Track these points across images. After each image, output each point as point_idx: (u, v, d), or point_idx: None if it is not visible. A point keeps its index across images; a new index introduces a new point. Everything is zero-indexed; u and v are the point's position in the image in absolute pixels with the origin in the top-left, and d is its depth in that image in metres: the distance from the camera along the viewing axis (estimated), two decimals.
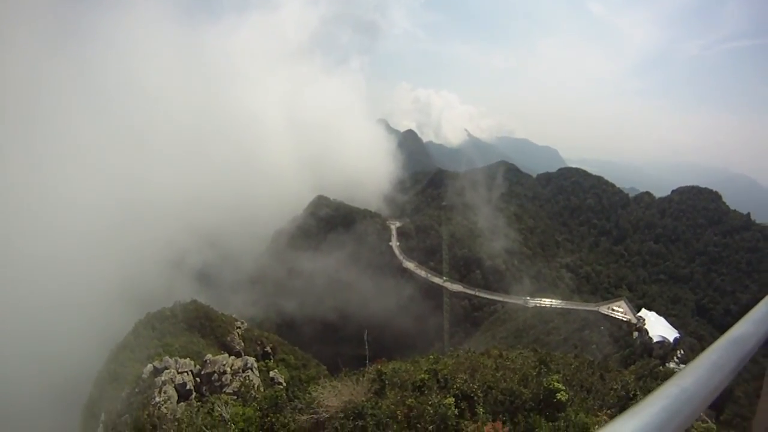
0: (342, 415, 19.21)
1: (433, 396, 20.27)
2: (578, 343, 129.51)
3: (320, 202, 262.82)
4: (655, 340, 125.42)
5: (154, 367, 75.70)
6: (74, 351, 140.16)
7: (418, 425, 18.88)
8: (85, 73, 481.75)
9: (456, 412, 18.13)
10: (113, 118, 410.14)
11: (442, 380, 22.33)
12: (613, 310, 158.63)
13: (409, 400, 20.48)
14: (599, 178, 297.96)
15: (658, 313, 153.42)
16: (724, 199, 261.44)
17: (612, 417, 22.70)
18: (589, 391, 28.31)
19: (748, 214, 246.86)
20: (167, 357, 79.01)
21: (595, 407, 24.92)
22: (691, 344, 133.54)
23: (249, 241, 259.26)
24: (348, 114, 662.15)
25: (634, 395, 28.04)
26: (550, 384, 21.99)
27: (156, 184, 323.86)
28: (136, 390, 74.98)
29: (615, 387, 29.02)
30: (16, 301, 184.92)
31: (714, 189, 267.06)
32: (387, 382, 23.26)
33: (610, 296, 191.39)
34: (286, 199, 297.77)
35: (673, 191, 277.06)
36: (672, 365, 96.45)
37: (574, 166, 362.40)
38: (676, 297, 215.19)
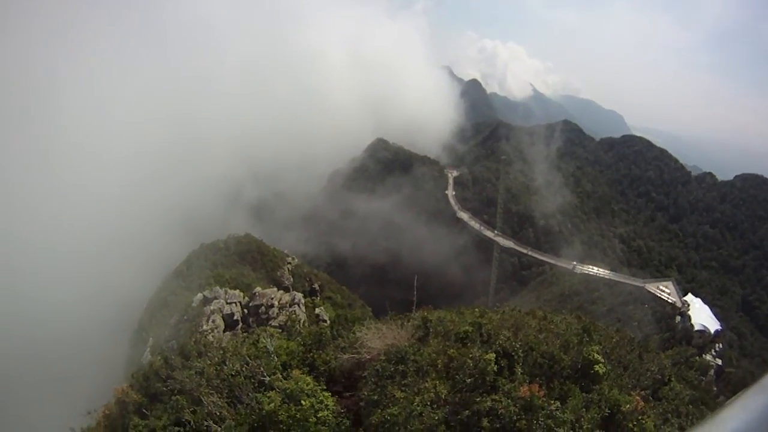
0: (384, 357, 19.04)
1: (475, 350, 19.89)
2: (621, 317, 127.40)
3: (379, 145, 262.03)
4: (696, 328, 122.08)
5: (204, 296, 77.38)
6: (129, 280, 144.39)
7: (457, 376, 18.59)
8: (149, 10, 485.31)
9: (495, 368, 17.76)
10: (175, 55, 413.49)
11: (485, 335, 21.93)
12: (660, 289, 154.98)
13: (451, 350, 20.17)
14: (663, 151, 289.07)
15: (704, 300, 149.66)
16: None
17: (645, 399, 22.18)
18: (626, 368, 27.79)
19: None
20: (217, 287, 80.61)
21: (629, 386, 24.46)
22: (731, 340, 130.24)
23: (305, 179, 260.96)
24: (411, 58, 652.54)
25: (669, 380, 27.38)
26: (590, 354, 21.56)
27: (215, 119, 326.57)
28: (185, 318, 76.82)
29: (652, 369, 28.31)
30: (77, 232, 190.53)
31: None
32: (431, 330, 23.03)
33: (658, 275, 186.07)
34: (345, 140, 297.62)
35: (736, 176, 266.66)
36: (708, 357, 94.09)
37: (638, 134, 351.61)
38: (723, 287, 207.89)
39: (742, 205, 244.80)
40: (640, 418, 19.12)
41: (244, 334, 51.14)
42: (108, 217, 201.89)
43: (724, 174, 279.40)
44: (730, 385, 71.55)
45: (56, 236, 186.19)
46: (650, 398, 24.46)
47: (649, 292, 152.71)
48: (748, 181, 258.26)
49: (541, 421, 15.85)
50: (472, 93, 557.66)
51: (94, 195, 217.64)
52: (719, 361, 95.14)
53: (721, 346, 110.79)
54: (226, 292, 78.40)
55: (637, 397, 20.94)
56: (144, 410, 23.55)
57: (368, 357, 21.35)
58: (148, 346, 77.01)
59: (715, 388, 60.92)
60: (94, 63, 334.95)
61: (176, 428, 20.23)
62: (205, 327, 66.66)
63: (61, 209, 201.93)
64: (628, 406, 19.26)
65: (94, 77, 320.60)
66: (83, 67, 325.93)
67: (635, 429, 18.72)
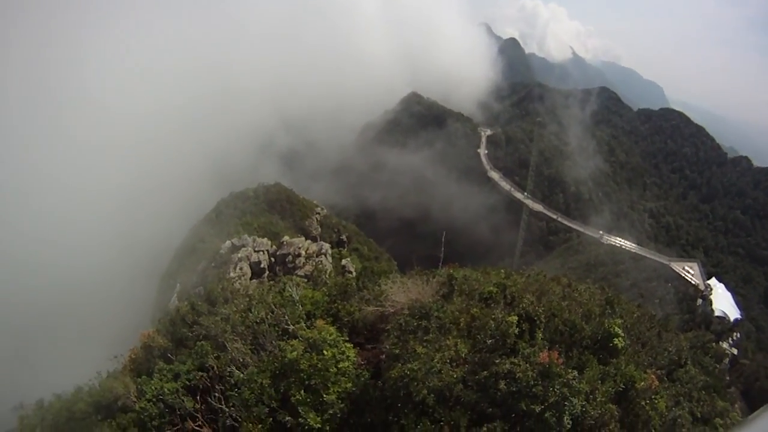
0: (407, 312, 19.05)
1: (498, 311, 19.90)
2: (644, 293, 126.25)
3: (413, 99, 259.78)
4: (716, 314, 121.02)
5: (232, 243, 78.19)
6: (159, 227, 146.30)
7: (478, 336, 18.67)
8: None
9: (516, 331, 17.72)
10: (206, 3, 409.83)
11: (509, 297, 21.88)
12: (684, 269, 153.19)
13: (474, 309, 20.21)
14: (701, 129, 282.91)
15: (727, 287, 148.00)
16: None
17: (660, 379, 22.00)
18: (644, 345, 27.66)
19: None
20: (246, 235, 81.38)
21: (646, 363, 24.31)
22: (749, 331, 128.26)
23: (336, 130, 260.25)
24: (448, 13, 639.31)
25: (685, 363, 27.25)
26: (611, 327, 21.38)
27: (247, 68, 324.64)
28: (212, 264, 77.80)
29: (669, 349, 28.17)
30: (110, 180, 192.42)
31: None
32: (456, 288, 22.98)
33: (684, 254, 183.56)
34: (378, 92, 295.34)
35: None
36: (725, 345, 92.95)
37: (677, 108, 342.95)
38: (748, 276, 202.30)
39: None
40: (653, 397, 19.12)
41: (271, 282, 51.57)
42: (140, 166, 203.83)
43: (761, 160, 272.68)
44: (742, 378, 71.23)
45: (89, 184, 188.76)
46: (665, 378, 24.42)
47: (674, 270, 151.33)
48: None
49: (557, 388, 15.85)
50: (510, 52, 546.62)
51: (126, 144, 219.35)
52: (735, 351, 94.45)
53: (738, 335, 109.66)
54: (254, 240, 79.12)
55: (653, 376, 20.86)
56: (169, 355, 23.94)
57: (392, 310, 21.41)
58: (175, 292, 78.18)
59: (727, 378, 60.51)
60: (122, 12, 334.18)
61: (200, 373, 20.56)
62: (232, 274, 67.43)
63: (94, 158, 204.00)
64: (642, 383, 19.26)
65: (123, 27, 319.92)
66: (112, 16, 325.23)
67: (647, 407, 18.70)
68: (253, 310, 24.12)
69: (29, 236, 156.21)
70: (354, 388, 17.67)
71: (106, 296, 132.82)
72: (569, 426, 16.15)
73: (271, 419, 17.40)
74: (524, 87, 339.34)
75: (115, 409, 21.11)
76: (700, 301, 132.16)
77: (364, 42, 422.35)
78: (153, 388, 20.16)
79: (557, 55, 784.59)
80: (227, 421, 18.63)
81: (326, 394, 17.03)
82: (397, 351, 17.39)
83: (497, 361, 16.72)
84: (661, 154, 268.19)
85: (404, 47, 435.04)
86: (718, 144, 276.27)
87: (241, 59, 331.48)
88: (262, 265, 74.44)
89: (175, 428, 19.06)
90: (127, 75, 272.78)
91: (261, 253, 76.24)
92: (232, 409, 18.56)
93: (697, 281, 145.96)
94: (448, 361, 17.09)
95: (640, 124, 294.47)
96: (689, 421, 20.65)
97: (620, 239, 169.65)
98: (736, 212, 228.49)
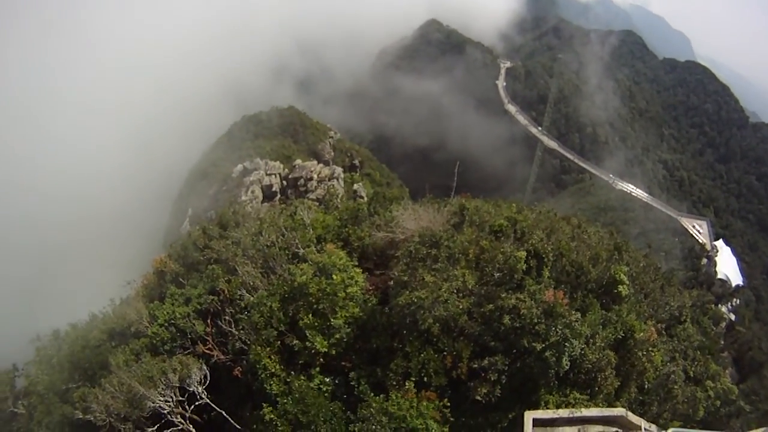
0: (417, 239, 19.00)
1: (507, 245, 19.74)
2: (651, 244, 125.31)
3: (432, 26, 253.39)
4: (719, 276, 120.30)
5: (243, 167, 78.17)
6: (172, 151, 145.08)
7: (486, 269, 18.62)
8: None
9: (524, 267, 17.62)
10: None
11: (519, 232, 21.67)
12: (693, 227, 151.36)
13: (484, 242, 20.06)
14: (725, 88, 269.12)
15: (733, 251, 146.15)
16: None
17: (659, 332, 21.96)
18: (646, 296, 27.64)
19: None
20: (258, 159, 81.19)
21: (646, 315, 24.36)
22: (748, 299, 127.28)
23: (352, 55, 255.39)
24: None
25: (684, 321, 27.33)
26: (617, 273, 21.41)
27: None
28: (224, 188, 78.04)
29: (671, 304, 28.04)
30: (121, 104, 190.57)
31: None
32: (466, 218, 22.87)
33: (694, 211, 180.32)
34: (395, 17, 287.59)
35: None
36: (724, 309, 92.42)
37: (703, 63, 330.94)
38: (755, 244, 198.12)
39: None
40: (650, 349, 19.28)
41: (282, 205, 51.73)
42: (153, 91, 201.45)
43: None
44: (736, 344, 71.34)
45: (101, 110, 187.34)
46: (663, 333, 24.65)
47: (682, 226, 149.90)
48: None
49: (559, 329, 16.01)
50: None
51: (138, 70, 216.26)
52: (733, 316, 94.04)
53: (738, 301, 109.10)
54: (266, 164, 79.13)
55: (652, 328, 21.10)
56: (181, 279, 24.20)
57: (402, 237, 21.42)
58: (187, 217, 78.77)
59: (722, 342, 60.67)
60: None
61: (211, 297, 20.81)
62: (243, 197, 67.79)
63: (106, 84, 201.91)
64: (642, 334, 19.46)
65: None
66: None
67: (644, 359, 18.88)
68: (263, 234, 24.26)
69: (41, 164, 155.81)
70: (361, 314, 17.88)
71: (119, 222, 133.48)
72: (567, 367, 16.45)
73: (279, 342, 17.66)
74: (547, 21, 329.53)
75: (128, 335, 21.54)
76: (705, 260, 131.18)
77: None
78: (165, 312, 20.54)
79: None
80: (237, 344, 18.95)
81: (334, 319, 17.26)
82: (405, 278, 17.47)
83: (503, 295, 16.80)
84: (682, 107, 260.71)
85: None
86: (742, 106, 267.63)
87: None
88: (273, 189, 74.73)
89: (187, 351, 19.46)
90: (143, 6, 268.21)
91: (273, 176, 76.42)
92: (241, 332, 18.88)
93: (705, 240, 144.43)
94: (455, 291, 17.18)
95: (664, 74, 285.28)
96: (682, 379, 20.89)
97: (632, 186, 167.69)
98: (751, 178, 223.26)
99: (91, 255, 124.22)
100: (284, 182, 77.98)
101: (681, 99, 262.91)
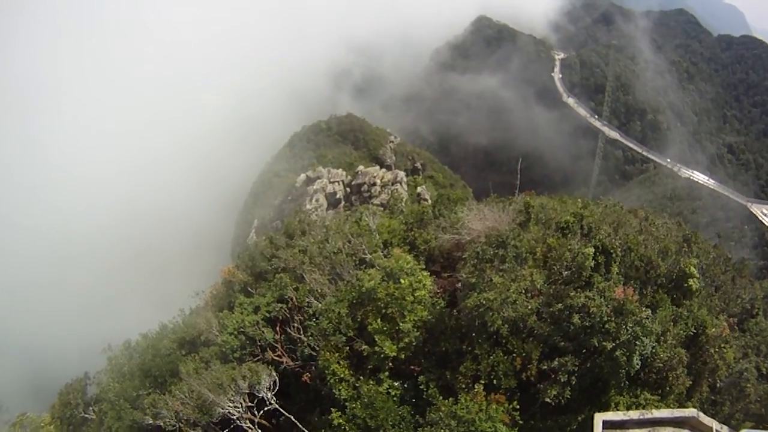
0: (484, 240, 18.86)
1: (575, 242, 19.54)
2: (721, 233, 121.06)
3: (482, 22, 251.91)
4: None
5: (307, 176, 79.10)
6: (238, 161, 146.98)
7: (554, 267, 18.38)
8: None
9: (592, 264, 17.24)
10: None
11: (585, 227, 21.26)
12: (763, 213, 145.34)
13: (551, 239, 19.87)
14: None
15: None
16: None
17: (731, 327, 21.05)
18: (717, 289, 26.60)
19: None
20: (320, 167, 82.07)
21: (718, 309, 23.49)
22: None
23: (406, 58, 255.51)
24: None
25: (757, 314, 25.90)
26: (687, 267, 20.58)
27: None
28: (289, 198, 79.14)
29: (743, 296, 26.89)
30: (190, 115, 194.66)
31: None
32: (532, 216, 22.64)
33: (764, 196, 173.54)
34: (446, 18, 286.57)
35: None
36: None
37: (759, 37, 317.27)
38: None
39: None
40: (723, 345, 18.51)
41: (347, 212, 52.12)
42: (219, 103, 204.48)
43: None
44: None
45: (171, 118, 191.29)
46: (736, 327, 23.46)
47: (752, 212, 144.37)
48: None
49: (630, 327, 15.59)
50: None
51: (204, 82, 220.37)
52: None
53: None
54: (329, 172, 79.84)
55: (724, 323, 20.26)
56: (249, 288, 24.58)
57: (468, 239, 21.28)
58: (253, 227, 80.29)
59: None
60: None
61: (279, 305, 21.05)
62: (308, 206, 68.53)
63: (174, 93, 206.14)
64: (714, 330, 18.72)
65: None
66: None
67: (716, 356, 18.16)
68: (330, 241, 24.48)
69: (110, 179, 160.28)
70: (429, 317, 17.82)
71: (187, 233, 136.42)
72: (638, 366, 16.02)
73: (348, 348, 17.74)
74: (597, 8, 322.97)
75: (198, 344, 21.99)
76: None
77: None
78: (234, 321, 20.89)
79: None
80: (306, 350, 19.13)
81: (402, 323, 17.23)
82: (473, 280, 17.31)
83: (572, 293, 16.45)
84: (743, 86, 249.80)
85: None
86: None
87: None
88: (337, 196, 75.29)
89: (256, 359, 19.71)
90: (201, 14, 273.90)
91: (336, 183, 77.03)
92: (310, 338, 19.07)
93: None
94: (523, 291, 16.98)
95: (720, 52, 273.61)
96: (755, 377, 19.82)
97: (698, 173, 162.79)
98: None
99: (161, 267, 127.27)
100: (348, 189, 78.52)
101: (740, 77, 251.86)
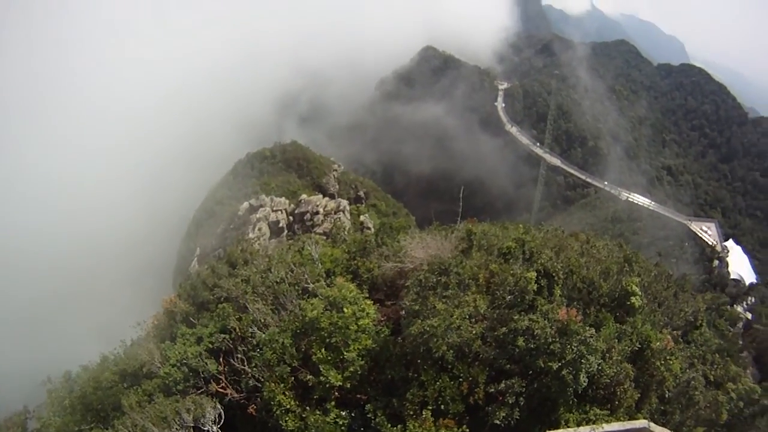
0: (427, 268, 19.03)
1: (517, 267, 19.97)
2: (662, 252, 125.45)
3: (428, 52, 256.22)
4: (731, 276, 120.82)
5: (250, 204, 78.55)
6: (182, 189, 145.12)
7: (497, 292, 18.68)
8: None
9: (535, 287, 17.70)
10: None
11: (527, 252, 21.75)
12: (702, 229, 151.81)
13: (493, 265, 20.18)
14: (722, 87, 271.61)
15: (744, 250, 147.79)
16: None
17: (675, 339, 21.88)
18: (660, 304, 27.59)
19: None
20: (263, 195, 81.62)
21: (662, 323, 24.39)
22: (764, 296, 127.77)
23: (353, 87, 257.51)
24: None
25: (700, 325, 27.17)
26: (629, 285, 21.33)
27: (264, 27, 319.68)
28: (231, 226, 78.48)
29: (686, 310, 28.08)
30: (131, 142, 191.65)
31: None
32: (474, 243, 22.95)
33: (702, 214, 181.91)
34: (394, 48, 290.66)
35: None
36: (740, 309, 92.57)
37: (698, 65, 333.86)
38: (765, 240, 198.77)
39: None
40: (668, 358, 19.07)
41: (290, 241, 51.95)
42: (162, 132, 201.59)
43: None
44: (755, 343, 70.94)
45: (110, 147, 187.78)
46: (680, 340, 24.57)
47: (691, 230, 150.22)
48: None
49: (575, 346, 15.85)
50: (527, 4, 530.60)
51: (149, 108, 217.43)
52: (749, 315, 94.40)
53: (753, 299, 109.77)
54: (272, 200, 79.46)
55: (668, 337, 20.91)
56: (191, 319, 24.24)
57: (411, 266, 21.44)
58: (195, 256, 79.26)
59: (740, 342, 60.40)
60: None
61: (222, 335, 20.80)
62: (251, 235, 67.96)
63: (116, 123, 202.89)
64: (658, 343, 19.23)
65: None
66: None
67: (662, 368, 18.69)
68: (273, 270, 24.31)
69: (49, 202, 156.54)
70: (374, 345, 17.81)
71: (127, 262, 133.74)
72: (585, 384, 16.23)
73: (293, 378, 17.63)
74: (541, 39, 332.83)
75: (140, 376, 21.52)
76: (716, 262, 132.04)
77: None
78: (177, 352, 20.49)
79: (575, 7, 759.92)
80: (250, 382, 18.91)
81: (347, 352, 17.19)
82: (416, 307, 17.42)
83: (516, 317, 16.73)
84: (681, 111, 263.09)
85: None
86: (739, 103, 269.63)
87: (259, 22, 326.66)
88: (280, 225, 74.94)
89: (200, 391, 19.38)
90: (146, 38, 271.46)
91: (279, 212, 76.72)
92: (254, 369, 18.83)
93: (714, 242, 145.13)
94: (467, 317, 17.13)
95: (660, 80, 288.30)
96: (702, 384, 20.65)
97: (638, 196, 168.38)
98: (756, 174, 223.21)
99: (102, 295, 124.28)
100: (291, 218, 78.23)
101: (679, 103, 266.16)
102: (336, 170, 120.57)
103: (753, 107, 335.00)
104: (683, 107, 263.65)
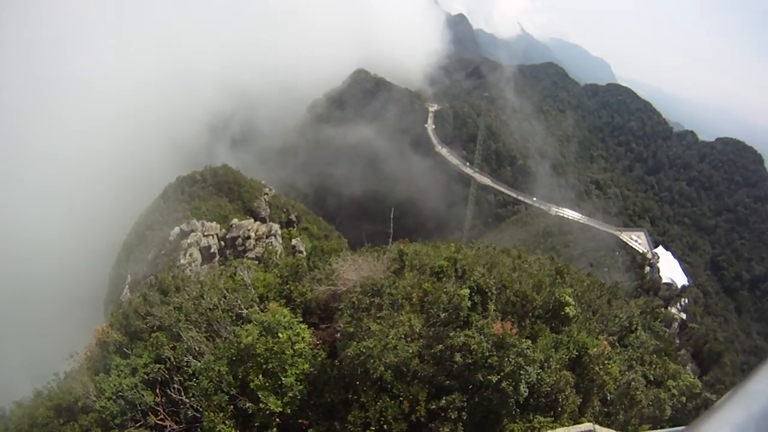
0: (360, 290, 19.23)
1: (450, 284, 20.23)
2: (593, 262, 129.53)
3: (360, 75, 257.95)
4: (663, 281, 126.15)
5: (181, 229, 77.29)
6: (113, 216, 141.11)
7: (431, 310, 18.95)
8: None
9: (469, 304, 18.09)
10: None
11: (459, 270, 22.27)
12: (632, 238, 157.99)
13: (426, 284, 20.59)
14: (647, 104, 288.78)
15: (674, 255, 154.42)
16: (766, 164, 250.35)
17: (612, 344, 22.84)
18: (595, 312, 28.65)
19: None
20: (194, 220, 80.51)
21: (597, 330, 25.28)
22: (696, 296, 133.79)
23: (284, 110, 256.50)
24: None
25: (635, 329, 28.19)
26: (562, 296, 21.98)
27: (194, 48, 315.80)
28: (162, 252, 76.95)
29: (620, 316, 29.15)
30: (60, 170, 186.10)
31: (757, 149, 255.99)
32: (407, 264, 23.32)
33: (631, 224, 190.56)
34: (325, 71, 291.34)
35: (717, 139, 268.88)
36: (673, 310, 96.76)
37: (624, 85, 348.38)
38: (694, 245, 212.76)
39: (720, 167, 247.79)
40: (606, 362, 19.92)
41: (222, 266, 51.42)
42: (94, 159, 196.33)
43: (706, 135, 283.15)
44: (692, 341, 74.90)
45: (35, 175, 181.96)
46: (617, 344, 25.47)
47: (621, 240, 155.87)
48: (728, 145, 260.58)
49: (512, 358, 16.31)
50: (458, 28, 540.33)
51: (77, 137, 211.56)
52: (684, 315, 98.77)
53: (686, 300, 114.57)
54: (203, 225, 78.35)
55: (605, 342, 21.75)
56: (125, 349, 23.76)
57: (344, 289, 21.60)
58: (126, 283, 77.33)
59: (677, 341, 63.82)
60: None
61: (157, 366, 20.48)
62: (182, 261, 66.93)
63: (42, 151, 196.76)
64: (595, 349, 19.97)
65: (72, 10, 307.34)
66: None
67: (601, 372, 19.48)
68: (205, 297, 24.07)
69: None
70: (312, 369, 17.89)
71: (57, 290, 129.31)
72: (526, 394, 16.69)
73: (232, 406, 17.54)
74: (471, 63, 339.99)
75: (76, 410, 20.93)
76: (648, 268, 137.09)
77: (307, 17, 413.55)
78: (112, 385, 20.02)
79: (505, 31, 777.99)
80: (189, 412, 18.68)
81: (284, 377, 17.22)
82: (351, 329, 17.62)
83: (451, 334, 17.07)
84: (608, 128, 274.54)
85: (351, 21, 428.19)
86: (665, 119, 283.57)
87: (189, 43, 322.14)
88: (212, 250, 74.00)
89: (138, 424, 19.02)
90: (79, 55, 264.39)
91: (210, 237, 75.73)
92: (192, 399, 18.57)
93: (645, 249, 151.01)
94: (402, 336, 17.45)
95: (587, 99, 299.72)
96: (642, 384, 21.53)
97: (568, 210, 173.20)
98: (682, 184, 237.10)
99: (32, 327, 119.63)
100: (222, 243, 77.32)
101: (606, 120, 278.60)
102: (267, 194, 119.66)
103: (678, 122, 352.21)
104: (610, 124, 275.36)
